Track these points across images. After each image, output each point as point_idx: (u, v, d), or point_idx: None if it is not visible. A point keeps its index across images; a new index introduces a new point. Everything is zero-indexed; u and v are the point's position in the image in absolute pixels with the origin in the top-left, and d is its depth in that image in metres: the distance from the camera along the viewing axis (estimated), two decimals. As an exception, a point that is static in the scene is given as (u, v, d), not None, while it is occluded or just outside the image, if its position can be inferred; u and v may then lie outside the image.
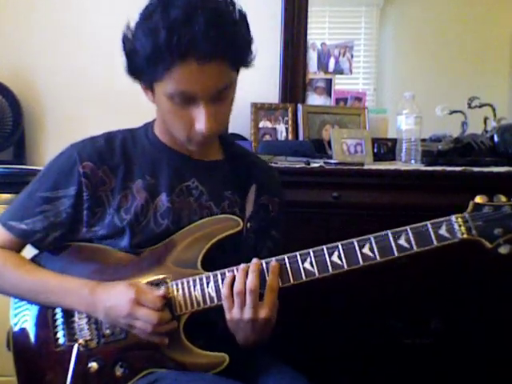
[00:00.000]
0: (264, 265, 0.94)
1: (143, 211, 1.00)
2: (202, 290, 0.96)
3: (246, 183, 1.07)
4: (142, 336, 0.95)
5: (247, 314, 0.91)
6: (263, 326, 0.93)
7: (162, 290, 0.95)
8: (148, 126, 1.08)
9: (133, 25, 0.91)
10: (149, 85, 0.94)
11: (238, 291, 0.92)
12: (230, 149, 1.12)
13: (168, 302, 0.96)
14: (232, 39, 0.88)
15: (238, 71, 0.97)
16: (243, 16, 0.93)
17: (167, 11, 0.85)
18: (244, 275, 0.93)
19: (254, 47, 0.96)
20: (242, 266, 0.94)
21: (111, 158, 1.02)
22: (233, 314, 0.93)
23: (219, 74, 0.89)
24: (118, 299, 0.93)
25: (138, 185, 1.02)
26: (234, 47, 0.89)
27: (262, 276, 0.93)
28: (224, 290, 0.93)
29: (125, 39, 0.92)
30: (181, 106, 0.92)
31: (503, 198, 0.93)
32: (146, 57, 0.87)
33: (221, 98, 0.92)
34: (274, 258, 0.95)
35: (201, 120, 0.91)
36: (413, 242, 0.92)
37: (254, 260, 0.94)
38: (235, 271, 0.94)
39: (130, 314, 0.92)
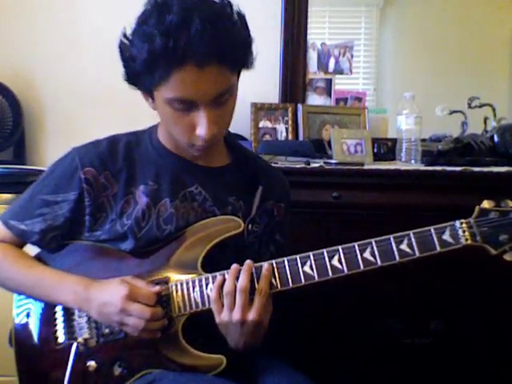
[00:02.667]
0: (255, 269, 0.94)
1: (145, 217, 1.00)
2: (201, 291, 0.96)
3: (253, 187, 1.06)
4: (135, 334, 0.94)
5: (236, 315, 0.90)
6: (253, 328, 0.92)
7: (156, 287, 0.95)
8: (152, 130, 1.07)
9: (129, 31, 0.90)
10: (148, 92, 0.94)
11: (227, 291, 0.91)
12: (237, 153, 1.11)
13: (167, 302, 0.96)
14: (230, 41, 0.86)
15: (238, 74, 0.96)
16: (241, 17, 0.91)
17: (163, 16, 0.84)
18: (234, 276, 0.92)
19: (254, 48, 0.94)
20: (234, 266, 0.93)
21: (113, 163, 1.02)
22: (222, 316, 0.92)
23: (219, 77, 0.87)
24: (111, 296, 0.93)
25: (141, 190, 1.01)
26: (233, 49, 0.87)
27: (254, 280, 0.93)
28: (213, 293, 0.93)
29: (121, 46, 0.91)
30: (181, 112, 0.91)
31: (511, 203, 0.90)
32: (143, 63, 0.86)
33: (221, 102, 0.91)
34: (266, 262, 0.94)
35: (202, 125, 0.91)
36: (415, 247, 0.90)
37: (247, 261, 0.94)
38: (226, 274, 0.94)
39: (123, 310, 0.92)
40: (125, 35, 0.90)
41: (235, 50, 0.88)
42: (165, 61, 0.84)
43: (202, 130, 0.91)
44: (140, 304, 0.92)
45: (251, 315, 0.90)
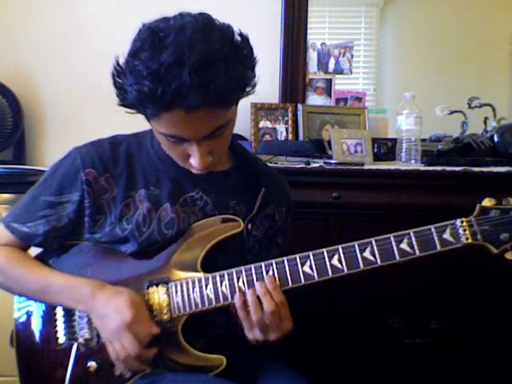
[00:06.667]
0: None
1: (146, 221, 1.00)
2: (201, 291, 0.96)
3: (255, 190, 1.06)
4: (113, 358, 0.94)
5: (273, 335, 0.93)
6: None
7: (156, 328, 0.93)
8: (153, 134, 1.07)
9: (122, 59, 0.87)
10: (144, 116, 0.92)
11: (257, 320, 0.91)
12: (240, 157, 1.10)
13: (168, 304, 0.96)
14: (224, 85, 0.81)
15: (237, 103, 0.93)
16: (244, 41, 0.87)
17: (155, 51, 0.80)
18: (257, 302, 0.92)
19: (256, 69, 0.90)
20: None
21: (114, 166, 1.01)
22: (256, 335, 0.94)
23: (210, 119, 0.85)
24: (114, 313, 0.93)
25: (141, 194, 1.01)
26: (227, 92, 0.83)
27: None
28: (241, 314, 0.93)
29: (114, 74, 0.88)
30: (174, 143, 0.90)
31: None
32: (133, 99, 0.84)
33: (216, 135, 0.88)
34: (268, 275, 0.94)
35: (195, 157, 0.90)
36: (415, 247, 0.90)
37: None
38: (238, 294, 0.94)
39: (116, 333, 0.92)
40: (118, 63, 0.88)
41: (230, 92, 0.84)
42: (153, 104, 0.82)
43: (195, 161, 0.91)
44: (134, 337, 0.91)
45: (285, 327, 0.93)
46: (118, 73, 0.87)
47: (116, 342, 0.92)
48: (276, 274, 0.94)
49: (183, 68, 0.78)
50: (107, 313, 0.93)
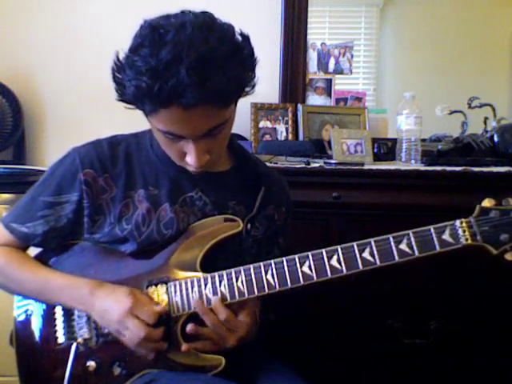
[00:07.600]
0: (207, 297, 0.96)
1: (145, 221, 1.00)
2: (200, 291, 0.96)
3: (255, 189, 1.06)
4: (130, 347, 0.94)
5: (229, 344, 0.95)
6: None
7: (160, 306, 0.95)
8: (153, 133, 1.07)
9: (122, 55, 0.87)
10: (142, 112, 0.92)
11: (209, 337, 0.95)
12: (239, 157, 1.10)
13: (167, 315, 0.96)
14: (222, 84, 0.81)
15: (236, 102, 0.93)
16: (243, 42, 0.87)
17: (154, 48, 0.80)
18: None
19: (256, 70, 0.90)
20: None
21: (113, 166, 1.01)
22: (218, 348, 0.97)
23: (207, 117, 0.85)
24: (114, 304, 0.94)
25: (140, 194, 1.01)
26: (225, 91, 0.82)
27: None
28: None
29: (114, 69, 0.88)
30: (172, 140, 0.90)
31: None
32: (131, 95, 0.85)
33: (213, 134, 0.88)
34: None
35: (191, 155, 0.90)
36: (415, 247, 0.89)
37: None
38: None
39: (121, 322, 0.92)
40: (118, 59, 0.88)
41: (227, 92, 0.83)
42: (150, 100, 0.83)
43: (191, 159, 0.90)
44: (138, 320, 0.92)
45: (240, 332, 0.95)
46: (118, 68, 0.88)
47: (124, 330, 0.93)
48: (275, 274, 0.94)
49: (181, 65, 0.78)
50: (107, 307, 0.94)
